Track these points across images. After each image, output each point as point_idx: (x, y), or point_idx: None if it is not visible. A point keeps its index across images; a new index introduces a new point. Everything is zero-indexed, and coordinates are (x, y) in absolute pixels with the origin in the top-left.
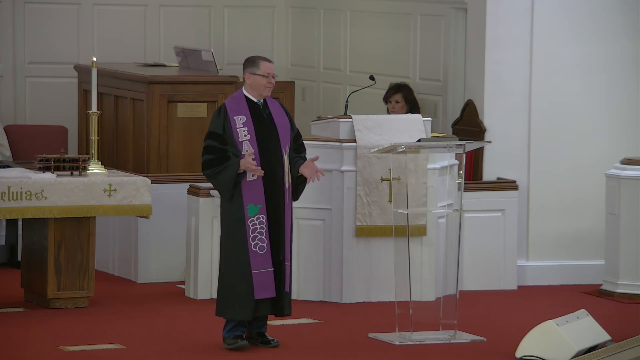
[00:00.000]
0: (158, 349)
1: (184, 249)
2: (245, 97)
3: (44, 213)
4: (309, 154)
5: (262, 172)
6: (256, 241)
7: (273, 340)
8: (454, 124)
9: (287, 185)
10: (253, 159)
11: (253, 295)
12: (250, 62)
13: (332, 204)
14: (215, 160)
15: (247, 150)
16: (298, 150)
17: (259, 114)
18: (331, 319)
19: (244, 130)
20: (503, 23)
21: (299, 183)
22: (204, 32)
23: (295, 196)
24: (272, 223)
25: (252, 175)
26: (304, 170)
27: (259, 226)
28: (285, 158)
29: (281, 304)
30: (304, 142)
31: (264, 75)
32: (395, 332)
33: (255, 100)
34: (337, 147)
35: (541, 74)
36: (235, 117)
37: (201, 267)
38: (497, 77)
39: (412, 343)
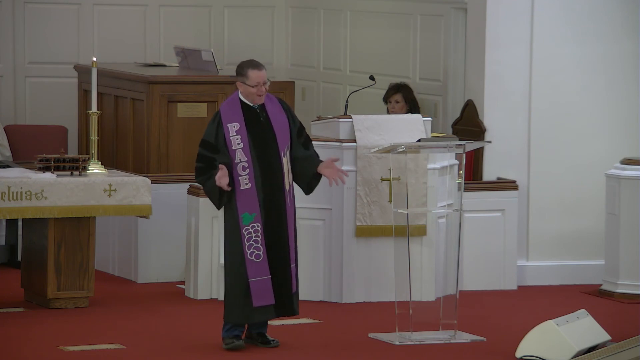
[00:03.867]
0: (158, 349)
1: (184, 249)
2: (241, 101)
3: (44, 213)
4: None
5: (229, 188)
6: (252, 249)
7: (273, 340)
8: (454, 124)
9: (287, 187)
10: (245, 166)
11: (252, 302)
12: (240, 71)
13: (332, 204)
14: (204, 169)
15: (240, 160)
16: (306, 146)
17: (254, 119)
18: (331, 319)
19: (237, 138)
20: (503, 23)
21: (314, 179)
22: (204, 32)
23: (309, 190)
24: (273, 229)
25: (246, 184)
26: (324, 170)
27: (254, 235)
28: (284, 160)
29: (288, 306)
30: None
31: (253, 86)
32: (395, 332)
33: (251, 104)
34: (337, 147)
35: (541, 74)
36: (228, 125)
37: (201, 267)
38: (497, 77)
39: (412, 343)
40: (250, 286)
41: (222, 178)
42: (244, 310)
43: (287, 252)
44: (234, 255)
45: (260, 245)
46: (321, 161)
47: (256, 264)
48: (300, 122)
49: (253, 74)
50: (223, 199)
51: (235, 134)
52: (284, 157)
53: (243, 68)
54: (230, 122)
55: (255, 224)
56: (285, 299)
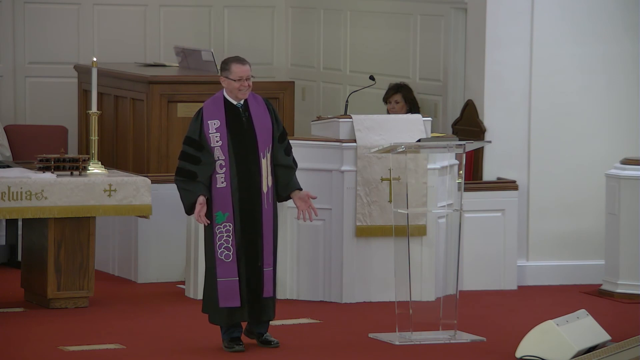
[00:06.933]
0: (158, 349)
1: (184, 249)
2: (225, 99)
3: (44, 213)
4: (308, 154)
5: (207, 222)
6: (222, 249)
7: (273, 340)
8: (454, 124)
9: (265, 190)
10: (223, 164)
11: (218, 303)
12: (224, 66)
13: (332, 204)
14: (186, 173)
15: (218, 158)
16: (287, 152)
17: (236, 118)
18: (331, 319)
19: (216, 136)
20: (503, 23)
21: (284, 197)
22: (204, 32)
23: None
24: (247, 230)
25: (222, 182)
26: (297, 201)
27: (225, 234)
28: (264, 162)
29: (258, 310)
30: (304, 142)
31: (236, 80)
32: (395, 332)
33: (234, 102)
34: (337, 147)
35: (541, 74)
36: (209, 122)
37: (201, 267)
38: (497, 77)
39: (412, 343)
40: (218, 286)
41: (201, 217)
42: (218, 311)
43: (260, 255)
44: (208, 254)
45: (231, 245)
46: (299, 187)
47: (225, 264)
48: (283, 127)
49: (236, 68)
50: (193, 210)
51: (214, 131)
52: (264, 158)
53: (227, 63)
54: (211, 118)
55: (227, 224)
56: (256, 303)
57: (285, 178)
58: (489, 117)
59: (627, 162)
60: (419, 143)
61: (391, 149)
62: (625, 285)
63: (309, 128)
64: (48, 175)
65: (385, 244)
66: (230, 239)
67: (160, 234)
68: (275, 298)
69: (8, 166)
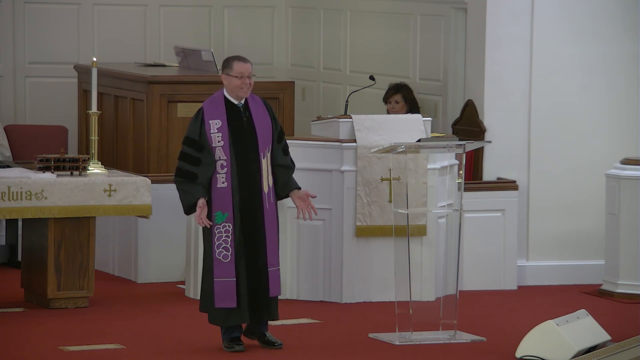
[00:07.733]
0: (158, 349)
1: (184, 249)
2: (225, 98)
3: (44, 213)
4: (308, 154)
5: (209, 224)
6: (220, 249)
7: (277, 342)
8: (454, 124)
9: (266, 189)
10: (224, 164)
11: (214, 303)
12: (225, 63)
13: (332, 204)
14: (186, 174)
15: (219, 158)
16: (285, 151)
17: (237, 117)
18: (331, 319)
19: (218, 136)
20: (503, 23)
21: (283, 196)
22: (204, 32)
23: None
24: (246, 231)
25: (223, 182)
26: (296, 200)
27: (224, 234)
28: (264, 162)
29: (263, 310)
30: (304, 142)
31: (237, 77)
32: (395, 332)
33: (235, 102)
34: (337, 147)
35: (541, 74)
36: (210, 122)
37: (201, 267)
38: (497, 77)
39: (412, 343)
40: (215, 286)
41: (203, 220)
42: (216, 311)
43: (263, 255)
44: (206, 253)
45: (229, 246)
46: (298, 187)
47: (223, 264)
48: (281, 127)
49: (237, 66)
50: (192, 211)
51: (216, 131)
52: (264, 158)
53: (228, 61)
54: (212, 118)
55: (226, 224)
56: (259, 303)
57: (284, 177)
58: (489, 117)
59: (627, 162)
60: (419, 143)
61: (391, 149)
62: (625, 285)
63: (309, 128)
64: (48, 175)
65: (385, 244)
66: (229, 239)
67: (160, 234)
68: (277, 297)
69: (8, 166)
